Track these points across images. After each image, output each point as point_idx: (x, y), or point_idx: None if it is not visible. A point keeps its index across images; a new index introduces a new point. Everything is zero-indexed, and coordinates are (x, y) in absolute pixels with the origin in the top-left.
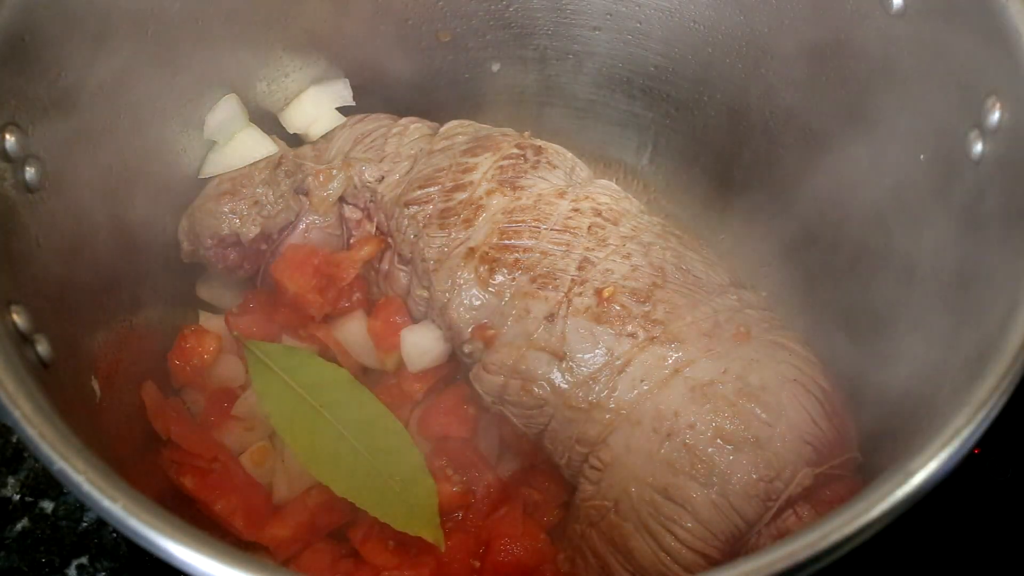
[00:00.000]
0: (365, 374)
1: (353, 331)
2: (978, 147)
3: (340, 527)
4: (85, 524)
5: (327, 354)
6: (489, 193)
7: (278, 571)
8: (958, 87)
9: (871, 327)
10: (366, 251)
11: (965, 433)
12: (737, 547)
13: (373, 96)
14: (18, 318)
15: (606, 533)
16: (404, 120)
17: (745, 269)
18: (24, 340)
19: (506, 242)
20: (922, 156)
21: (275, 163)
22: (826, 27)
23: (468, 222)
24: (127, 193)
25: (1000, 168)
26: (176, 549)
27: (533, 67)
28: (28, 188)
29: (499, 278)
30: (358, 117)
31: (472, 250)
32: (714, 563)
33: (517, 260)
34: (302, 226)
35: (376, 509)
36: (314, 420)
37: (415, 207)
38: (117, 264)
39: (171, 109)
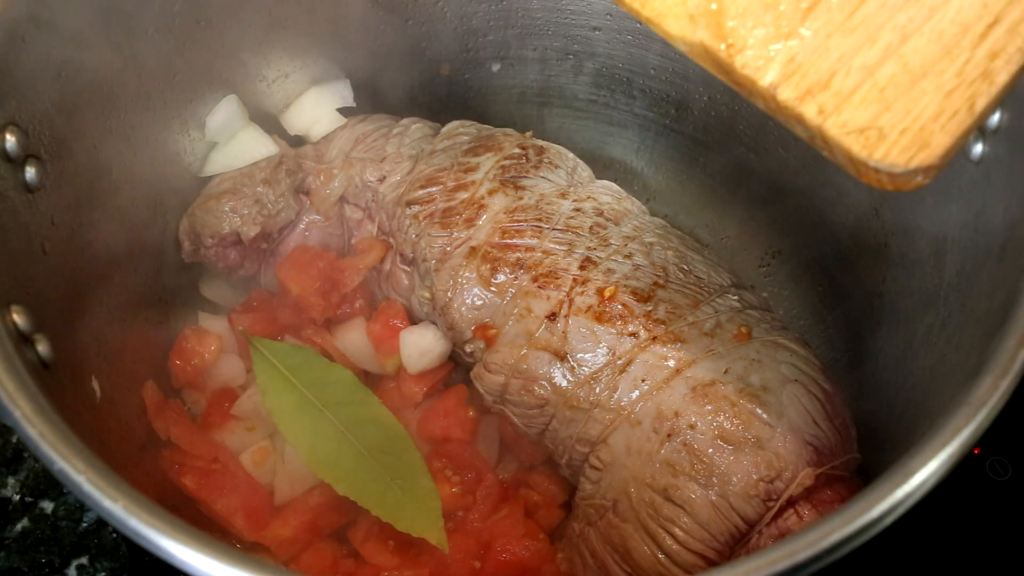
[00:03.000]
0: (365, 378)
1: (354, 339)
2: (978, 147)
3: (341, 527)
4: (85, 524)
5: (328, 356)
6: (491, 192)
7: (278, 571)
8: None
9: (870, 326)
10: (371, 257)
11: (965, 433)
12: (737, 548)
13: (373, 96)
14: (18, 318)
15: (604, 533)
16: (405, 120)
17: (745, 270)
18: (24, 340)
19: (508, 241)
20: None
21: (276, 162)
22: None
23: (470, 221)
24: (127, 193)
25: (1000, 168)
26: (176, 549)
27: (533, 67)
28: (28, 188)
29: (501, 277)
30: (359, 118)
31: (474, 249)
32: (713, 564)
33: (519, 259)
34: (302, 225)
35: (379, 509)
36: (316, 419)
37: (417, 207)
38: (117, 264)
39: (172, 109)
